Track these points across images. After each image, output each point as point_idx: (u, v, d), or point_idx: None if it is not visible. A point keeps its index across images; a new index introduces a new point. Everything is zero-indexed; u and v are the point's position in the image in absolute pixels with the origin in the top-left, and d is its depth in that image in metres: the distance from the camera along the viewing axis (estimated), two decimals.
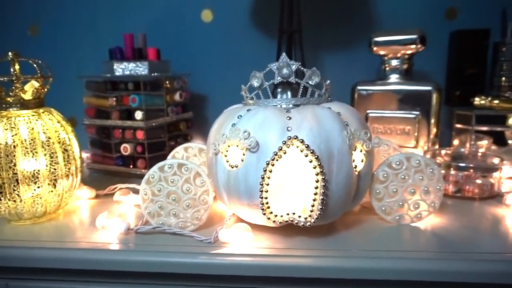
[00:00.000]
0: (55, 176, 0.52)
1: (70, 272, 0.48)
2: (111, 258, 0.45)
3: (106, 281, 0.48)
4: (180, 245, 0.46)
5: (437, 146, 0.73)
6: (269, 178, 0.42)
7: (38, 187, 0.51)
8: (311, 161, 0.41)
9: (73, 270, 0.47)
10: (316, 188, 0.42)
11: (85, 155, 0.82)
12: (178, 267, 0.44)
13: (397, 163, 0.49)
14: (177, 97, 0.77)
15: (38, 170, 0.51)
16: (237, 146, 0.44)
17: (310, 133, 0.42)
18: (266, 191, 0.42)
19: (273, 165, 0.42)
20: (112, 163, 0.75)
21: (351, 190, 0.45)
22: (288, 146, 0.42)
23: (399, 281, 0.42)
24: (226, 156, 0.45)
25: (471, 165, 0.60)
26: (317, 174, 0.41)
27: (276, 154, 0.41)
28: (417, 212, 0.50)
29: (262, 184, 0.42)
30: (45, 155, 0.51)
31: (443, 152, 0.70)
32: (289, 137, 0.42)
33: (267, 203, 0.43)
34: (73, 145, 0.55)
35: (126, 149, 0.72)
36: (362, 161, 0.46)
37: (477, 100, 0.73)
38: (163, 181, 0.48)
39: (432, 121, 0.72)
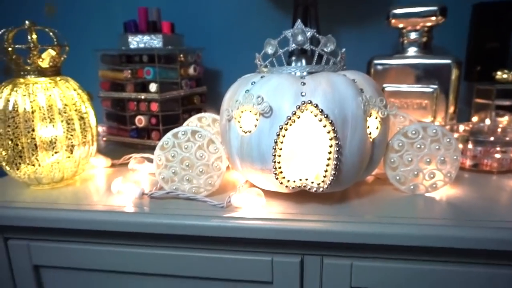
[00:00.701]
0: (72, 142, 0.53)
1: (86, 233, 0.49)
2: (126, 220, 0.46)
3: (121, 243, 0.49)
4: (194, 209, 0.47)
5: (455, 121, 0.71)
6: (282, 143, 0.42)
7: (56, 152, 0.52)
8: (325, 126, 0.41)
9: (89, 232, 0.48)
10: (330, 153, 0.41)
11: (101, 128, 0.83)
12: (191, 229, 0.44)
13: (413, 132, 0.48)
14: (191, 71, 0.77)
15: (56, 137, 0.52)
16: (250, 111, 0.44)
17: (324, 98, 0.42)
18: (279, 156, 0.42)
19: (286, 129, 0.41)
20: (127, 135, 0.76)
21: (365, 157, 0.45)
22: (302, 111, 0.41)
23: (412, 246, 0.42)
24: (239, 122, 0.45)
25: (490, 139, 0.59)
26: (331, 139, 0.41)
27: (289, 119, 0.41)
28: (432, 182, 0.49)
29: (275, 149, 0.42)
30: (62, 121, 0.52)
31: (461, 128, 0.68)
32: (303, 102, 0.41)
33: (279, 168, 0.43)
34: (89, 113, 0.56)
35: (140, 121, 0.73)
36: (377, 128, 0.45)
37: (499, 74, 0.71)
38: (177, 147, 0.49)
39: (451, 96, 0.70)
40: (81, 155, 0.55)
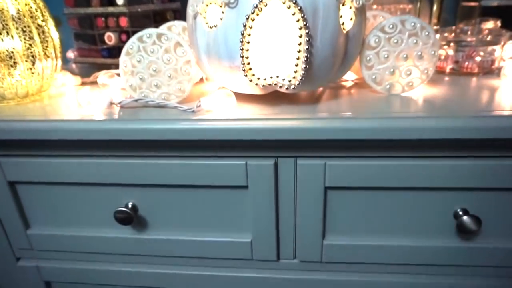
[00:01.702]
0: (31, 53, 0.50)
1: (57, 145, 0.48)
2: (96, 127, 0.44)
3: (94, 154, 0.49)
4: (164, 116, 0.45)
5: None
6: (249, 35, 0.39)
7: (15, 62, 0.49)
8: (293, 14, 0.38)
9: (60, 143, 0.47)
10: (300, 44, 0.39)
11: (72, 53, 0.79)
12: (161, 134, 0.43)
13: (391, 26, 0.45)
14: None
15: (13, 48, 0.49)
16: (215, 3, 0.40)
17: None
18: (247, 50, 0.40)
19: (253, 20, 0.39)
20: (98, 56, 0.72)
21: (338, 51, 0.42)
22: None
23: (384, 141, 0.41)
24: (205, 17, 0.42)
25: (472, 39, 0.57)
26: (300, 29, 0.39)
27: (256, 7, 0.38)
28: (408, 80, 0.47)
29: (242, 42, 0.39)
30: (17, 28, 0.48)
31: (445, 34, 0.65)
32: None
33: (248, 63, 0.41)
34: (47, 22, 0.52)
35: (110, 38, 0.69)
36: (351, 19, 0.42)
37: None
38: (142, 52, 0.46)
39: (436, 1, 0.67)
40: (45, 69, 0.52)
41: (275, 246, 0.51)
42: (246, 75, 0.41)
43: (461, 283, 0.51)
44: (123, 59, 0.47)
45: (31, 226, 0.56)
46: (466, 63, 0.58)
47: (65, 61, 0.75)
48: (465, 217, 0.45)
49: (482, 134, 0.40)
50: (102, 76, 0.58)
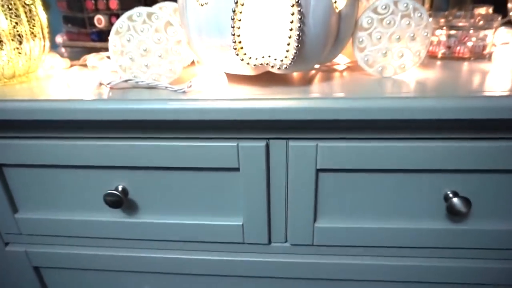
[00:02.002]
0: (18, 32, 0.49)
1: (46, 126, 0.47)
2: (85, 107, 0.43)
3: (83, 136, 0.48)
4: (154, 96, 0.45)
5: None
6: (241, 13, 0.39)
7: (0, 41, 0.48)
8: None
9: (48, 124, 0.46)
10: (292, 22, 0.39)
11: (60, 38, 0.78)
12: (152, 114, 0.43)
13: (383, 7, 0.45)
14: None
15: None
16: None
17: None
18: (239, 28, 0.39)
19: None
20: (87, 40, 0.71)
21: (331, 31, 0.42)
22: None
23: (376, 121, 0.41)
24: None
25: (465, 24, 0.57)
26: (292, 6, 0.38)
27: None
28: (401, 62, 0.47)
29: (233, 19, 0.39)
30: (2, 6, 0.47)
31: (438, 19, 0.65)
32: None
33: (240, 42, 0.40)
34: (35, 1, 0.51)
35: (100, 21, 0.68)
36: None
37: None
38: (132, 31, 0.45)
39: None
40: (32, 49, 0.51)
41: (266, 229, 0.51)
42: (237, 54, 0.41)
43: (452, 266, 0.51)
44: (112, 38, 0.46)
45: (19, 210, 0.55)
46: (458, 48, 0.58)
47: (54, 46, 0.73)
48: (455, 199, 0.45)
49: (473, 115, 0.40)
50: (92, 58, 0.57)
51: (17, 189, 0.53)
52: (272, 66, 0.42)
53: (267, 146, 0.46)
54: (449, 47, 0.59)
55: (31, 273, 0.59)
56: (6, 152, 0.50)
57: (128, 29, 0.45)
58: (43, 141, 0.48)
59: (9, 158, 0.50)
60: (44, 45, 0.53)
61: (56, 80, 0.55)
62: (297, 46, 0.40)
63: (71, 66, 0.61)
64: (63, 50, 0.78)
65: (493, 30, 0.57)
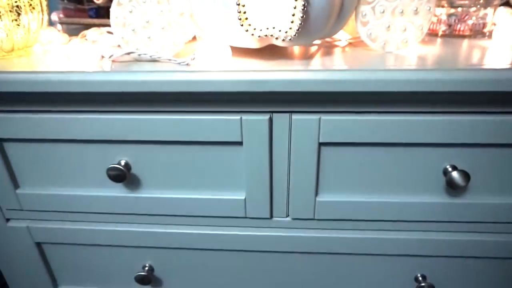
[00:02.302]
0: (16, 3, 0.48)
1: (47, 100, 0.47)
2: (87, 79, 0.43)
3: (85, 110, 0.48)
4: (157, 69, 0.44)
5: None
6: None
7: None
8: None
9: (49, 97, 0.46)
10: None
11: (55, 16, 0.76)
12: (156, 85, 0.42)
13: None
14: None
15: None
16: None
17: None
18: None
19: None
20: (85, 16, 0.70)
21: (335, 3, 0.42)
22: None
23: (379, 94, 0.42)
24: None
25: (465, 2, 0.57)
26: None
27: None
28: (403, 36, 0.48)
29: None
30: None
31: None
32: None
33: (244, 12, 0.40)
34: None
35: None
36: None
37: None
38: (134, 2, 0.45)
39: None
40: (31, 22, 0.50)
41: (268, 203, 0.52)
42: (242, 25, 0.41)
43: (450, 239, 0.52)
44: (114, 9, 0.45)
45: (20, 186, 0.55)
46: (459, 26, 0.58)
47: (50, 24, 0.72)
48: (454, 173, 0.46)
49: (473, 87, 0.40)
50: (92, 32, 0.56)
51: (18, 164, 0.53)
52: (277, 38, 0.42)
53: (271, 119, 0.46)
54: (449, 25, 0.59)
55: (33, 249, 0.59)
56: (6, 126, 0.49)
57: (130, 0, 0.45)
58: (44, 115, 0.48)
59: (9, 133, 0.50)
60: (42, 18, 0.52)
61: (56, 53, 0.54)
62: (302, 17, 0.40)
63: (70, 41, 0.60)
64: (59, 27, 0.77)
65: (493, 9, 0.58)
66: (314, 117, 0.45)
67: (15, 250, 0.60)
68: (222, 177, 0.51)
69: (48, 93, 0.45)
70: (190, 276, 0.60)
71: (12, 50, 0.51)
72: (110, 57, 0.47)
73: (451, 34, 0.59)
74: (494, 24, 0.61)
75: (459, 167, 0.48)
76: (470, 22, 0.58)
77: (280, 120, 0.46)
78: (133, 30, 0.46)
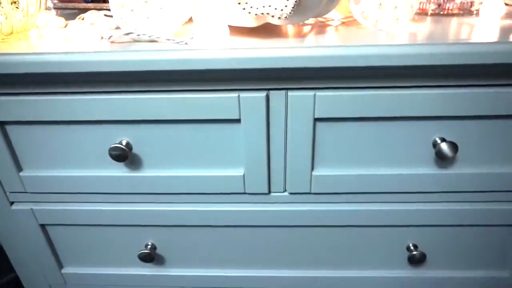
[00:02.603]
0: None
1: (48, 81, 0.48)
2: (87, 59, 0.44)
3: (85, 91, 0.49)
4: (157, 48, 0.46)
5: None
6: None
7: None
8: None
9: (50, 78, 0.47)
10: None
11: (50, 3, 0.76)
12: (155, 64, 0.44)
13: None
14: None
15: None
16: None
17: None
18: None
19: None
20: (80, 1, 0.70)
21: None
22: None
23: (372, 68, 0.43)
24: None
25: None
26: None
27: None
28: (395, 14, 0.49)
29: None
30: None
31: None
32: None
33: None
34: None
35: None
36: None
37: None
38: None
39: None
40: (29, 5, 0.51)
41: (266, 179, 0.54)
42: (239, 3, 0.42)
43: (441, 209, 0.55)
44: None
45: (24, 169, 0.56)
46: (448, 5, 0.60)
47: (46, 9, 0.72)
48: (442, 144, 0.48)
49: (463, 60, 0.42)
50: (90, 15, 0.57)
51: (21, 147, 0.54)
52: (272, 16, 0.43)
53: (267, 96, 0.48)
54: (439, 5, 0.61)
55: (38, 231, 0.61)
56: (8, 109, 0.50)
57: None
58: (45, 97, 0.49)
59: (11, 116, 0.51)
60: (40, 2, 0.53)
61: (55, 36, 0.55)
62: None
63: (66, 25, 0.61)
64: (53, 12, 0.77)
65: None
66: (309, 93, 0.47)
67: (19, 232, 0.61)
68: (221, 154, 0.53)
69: (49, 74, 0.45)
70: (191, 252, 0.62)
71: (11, 33, 0.52)
72: (109, 38, 0.48)
73: (440, 13, 0.61)
74: (481, 3, 0.63)
75: (448, 139, 0.50)
76: (458, 1, 0.60)
77: (277, 97, 0.48)
78: (132, 10, 0.47)
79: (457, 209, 0.55)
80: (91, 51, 0.44)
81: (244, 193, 0.55)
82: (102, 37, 0.48)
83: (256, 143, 0.51)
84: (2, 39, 0.52)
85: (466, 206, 0.55)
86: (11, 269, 0.92)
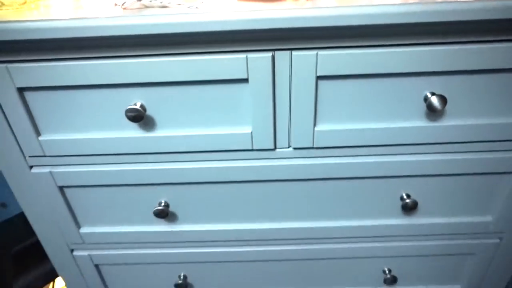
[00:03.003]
0: None
1: (61, 46, 0.50)
2: (101, 24, 0.47)
3: (100, 56, 0.51)
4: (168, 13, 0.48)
5: None
6: None
7: None
8: None
9: (63, 43, 0.49)
10: None
11: None
12: (167, 27, 0.47)
13: None
14: None
15: None
16: None
17: None
18: None
19: None
20: None
21: None
22: None
23: (372, 27, 0.47)
24: None
25: None
26: None
27: None
28: None
29: None
30: None
31: None
32: None
33: None
34: None
35: None
36: None
37: None
38: None
39: None
40: None
41: (272, 135, 0.58)
42: None
43: (433, 159, 0.60)
44: None
45: (42, 133, 0.59)
46: None
47: None
48: (432, 97, 0.53)
49: (452, 16, 0.46)
50: None
51: (39, 112, 0.57)
52: None
53: (273, 57, 0.51)
54: None
55: (56, 193, 0.64)
56: (26, 76, 0.53)
57: None
58: (61, 63, 0.52)
59: (29, 82, 0.53)
60: None
61: (68, 5, 0.57)
62: None
63: None
64: None
65: None
66: (312, 52, 0.51)
67: (39, 195, 0.65)
68: (230, 113, 0.57)
69: (65, 40, 0.48)
70: (202, 208, 0.67)
71: (25, 2, 0.54)
72: (122, 5, 0.50)
73: None
74: None
75: (438, 93, 0.55)
76: None
77: (282, 57, 0.52)
78: None
79: (446, 159, 0.60)
80: (105, 17, 0.47)
81: (252, 149, 0.59)
82: (116, 4, 0.50)
83: (263, 101, 0.55)
84: (16, 8, 0.54)
85: (455, 156, 0.60)
86: (32, 233, 0.96)
